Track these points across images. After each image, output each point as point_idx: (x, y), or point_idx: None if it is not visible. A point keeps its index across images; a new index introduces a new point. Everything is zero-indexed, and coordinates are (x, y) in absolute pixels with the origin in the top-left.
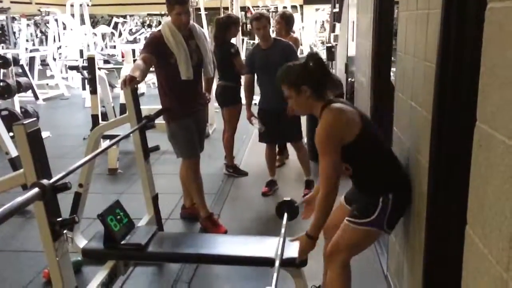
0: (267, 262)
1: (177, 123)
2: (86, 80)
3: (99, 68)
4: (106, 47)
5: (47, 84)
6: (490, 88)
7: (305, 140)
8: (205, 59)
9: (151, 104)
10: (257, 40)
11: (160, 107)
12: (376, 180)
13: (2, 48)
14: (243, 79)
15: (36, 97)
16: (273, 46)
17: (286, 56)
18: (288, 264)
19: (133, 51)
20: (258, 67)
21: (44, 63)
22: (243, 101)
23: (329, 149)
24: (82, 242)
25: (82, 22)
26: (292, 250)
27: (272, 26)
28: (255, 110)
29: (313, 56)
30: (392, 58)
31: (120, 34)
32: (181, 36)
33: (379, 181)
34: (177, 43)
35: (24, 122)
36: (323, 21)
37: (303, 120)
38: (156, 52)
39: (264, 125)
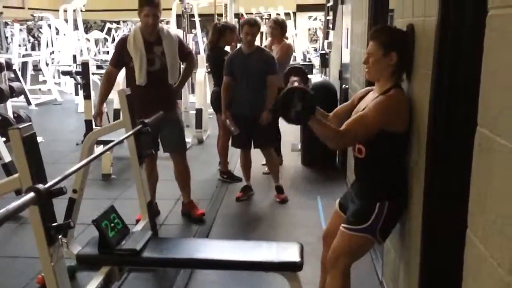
0: (262, 266)
1: None
2: (79, 86)
3: (93, 74)
4: (99, 52)
5: (40, 89)
6: (491, 93)
7: (299, 146)
8: (168, 64)
9: None
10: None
11: None
12: (382, 178)
13: None
14: None
15: (29, 102)
16: (255, 52)
17: (266, 65)
18: (283, 268)
19: None
20: (237, 70)
21: (36, 68)
22: None
23: (369, 123)
24: (76, 248)
25: (76, 27)
26: (288, 254)
27: (266, 32)
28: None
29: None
30: None
31: (113, 40)
32: (143, 42)
33: (384, 180)
34: (136, 49)
35: (20, 127)
36: (315, 29)
37: (295, 126)
38: (120, 57)
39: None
